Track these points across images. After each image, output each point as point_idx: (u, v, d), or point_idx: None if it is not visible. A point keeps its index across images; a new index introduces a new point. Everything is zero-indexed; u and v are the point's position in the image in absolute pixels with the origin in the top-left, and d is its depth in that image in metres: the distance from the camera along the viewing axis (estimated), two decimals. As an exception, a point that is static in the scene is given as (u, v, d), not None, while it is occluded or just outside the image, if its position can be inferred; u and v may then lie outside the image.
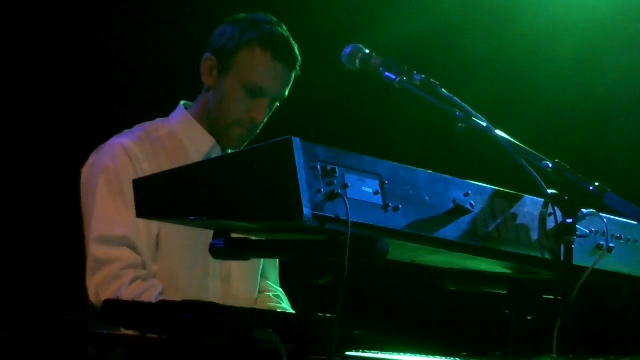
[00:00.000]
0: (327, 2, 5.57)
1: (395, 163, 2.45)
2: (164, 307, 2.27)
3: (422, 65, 3.15)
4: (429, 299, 4.43)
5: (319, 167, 2.29)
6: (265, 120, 3.42)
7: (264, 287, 3.53)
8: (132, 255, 3.20)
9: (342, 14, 5.60)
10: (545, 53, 5.80)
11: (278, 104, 3.44)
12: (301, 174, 2.25)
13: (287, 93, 3.42)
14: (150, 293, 3.14)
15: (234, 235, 2.52)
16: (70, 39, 4.73)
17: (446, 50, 5.75)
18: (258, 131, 3.43)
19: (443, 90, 2.88)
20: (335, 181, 2.31)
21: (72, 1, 4.74)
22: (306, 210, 2.23)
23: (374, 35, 5.25)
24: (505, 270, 2.76)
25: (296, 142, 2.27)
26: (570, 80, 5.83)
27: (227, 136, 3.40)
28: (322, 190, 2.28)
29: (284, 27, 3.42)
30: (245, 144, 3.44)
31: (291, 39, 3.40)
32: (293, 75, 3.41)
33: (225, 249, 2.52)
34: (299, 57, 3.40)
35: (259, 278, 3.49)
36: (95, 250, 3.21)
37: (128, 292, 3.14)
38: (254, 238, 2.54)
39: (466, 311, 4.26)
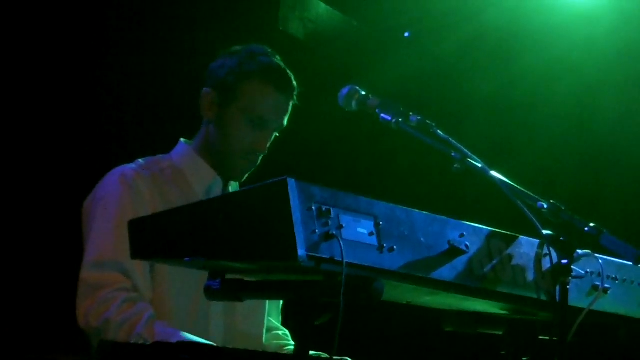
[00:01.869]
0: (326, 42, 5.61)
1: (391, 204, 2.46)
2: (160, 349, 2.26)
3: (421, 105, 3.17)
4: (425, 340, 4.41)
5: (314, 207, 2.29)
6: (267, 150, 3.44)
7: (271, 325, 3.51)
8: (124, 280, 3.17)
9: (341, 54, 5.64)
10: (544, 94, 5.84)
11: (277, 134, 3.45)
12: (296, 215, 2.25)
13: (286, 122, 3.44)
14: (139, 317, 3.11)
15: (229, 276, 2.52)
16: (70, 76, 4.76)
17: (445, 91, 5.79)
18: (259, 162, 3.44)
19: (439, 131, 2.89)
20: (331, 222, 2.31)
21: (75, 40, 4.76)
22: (301, 251, 2.23)
23: (374, 76, 5.30)
24: (501, 311, 2.75)
25: (291, 183, 2.28)
26: (568, 120, 5.86)
27: (230, 168, 3.41)
28: (317, 231, 2.28)
29: (279, 57, 3.45)
30: (247, 175, 3.45)
31: (288, 69, 3.42)
32: (291, 105, 3.43)
33: (221, 290, 2.52)
34: (297, 87, 3.42)
35: (266, 314, 3.47)
36: (87, 274, 3.18)
37: (117, 315, 3.10)
38: (249, 279, 2.54)
39: (463, 352, 4.24)
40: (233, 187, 3.48)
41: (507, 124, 5.80)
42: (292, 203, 2.26)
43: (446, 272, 2.47)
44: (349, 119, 3.39)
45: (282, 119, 3.41)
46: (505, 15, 5.57)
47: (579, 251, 2.63)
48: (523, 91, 5.81)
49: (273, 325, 3.48)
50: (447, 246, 2.49)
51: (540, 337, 2.76)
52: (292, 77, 3.42)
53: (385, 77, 5.34)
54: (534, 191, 2.76)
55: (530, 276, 2.62)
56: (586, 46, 5.64)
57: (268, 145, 3.42)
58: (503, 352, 2.79)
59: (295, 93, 3.42)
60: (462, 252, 2.50)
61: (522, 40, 5.70)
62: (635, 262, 2.59)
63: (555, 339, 2.57)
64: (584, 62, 5.72)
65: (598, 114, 5.82)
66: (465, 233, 2.53)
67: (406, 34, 5.78)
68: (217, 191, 3.41)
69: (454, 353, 4.38)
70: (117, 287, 3.15)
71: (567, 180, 5.81)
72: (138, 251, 2.47)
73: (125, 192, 3.25)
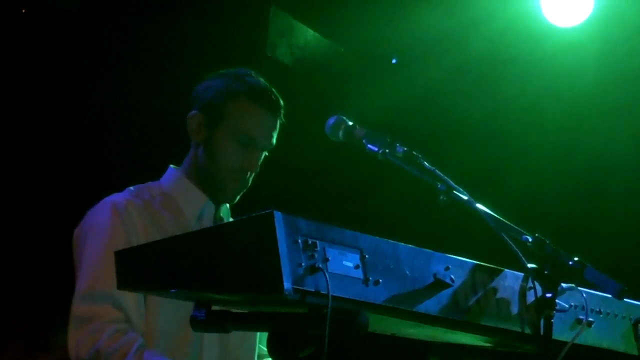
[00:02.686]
0: (314, 69, 5.63)
1: (376, 237, 2.47)
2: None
3: (408, 132, 3.20)
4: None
5: (300, 240, 2.31)
6: (257, 169, 3.44)
7: (262, 352, 3.51)
8: (114, 311, 3.16)
9: (329, 81, 5.66)
10: (531, 122, 5.86)
11: (267, 153, 3.46)
12: (282, 248, 2.27)
13: (275, 141, 3.44)
14: (129, 346, 3.10)
15: (214, 307, 2.52)
16: (59, 104, 4.77)
17: (432, 118, 5.81)
18: (250, 182, 3.44)
19: (425, 162, 2.91)
20: (316, 255, 2.32)
21: (63, 68, 4.78)
22: (287, 284, 2.24)
23: (361, 103, 5.32)
24: (485, 344, 2.76)
25: (278, 215, 2.29)
26: (555, 148, 5.89)
27: (220, 190, 3.41)
28: (303, 263, 2.29)
29: (264, 80, 3.46)
30: (239, 197, 3.45)
31: (274, 89, 3.43)
32: (279, 123, 3.43)
33: (207, 321, 2.53)
34: (283, 105, 3.43)
35: (257, 341, 3.47)
36: (77, 307, 3.18)
37: (107, 345, 3.10)
38: (235, 310, 2.54)
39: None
40: (224, 211, 3.48)
41: (494, 151, 5.83)
42: (278, 236, 2.27)
43: (431, 305, 2.48)
44: (335, 147, 3.41)
45: (271, 138, 3.41)
46: (492, 43, 5.61)
47: (563, 285, 2.64)
48: (510, 119, 5.84)
49: (264, 353, 3.49)
50: (432, 279, 2.50)
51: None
52: (279, 97, 3.43)
53: (372, 103, 5.36)
54: (521, 218, 2.78)
55: (514, 309, 2.63)
56: (572, 75, 5.68)
57: (258, 165, 3.43)
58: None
59: (283, 111, 3.43)
60: (447, 285, 2.51)
61: (508, 68, 5.74)
62: (618, 297, 2.60)
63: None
64: (571, 91, 5.75)
65: (584, 142, 5.85)
66: (450, 266, 2.55)
67: (394, 61, 5.81)
68: (208, 215, 3.41)
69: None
70: (108, 319, 3.15)
71: (554, 207, 5.84)
72: (124, 282, 2.48)
73: (117, 222, 3.25)
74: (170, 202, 3.39)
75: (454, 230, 4.59)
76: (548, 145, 5.91)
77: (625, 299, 2.81)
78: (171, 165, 3.52)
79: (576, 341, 2.68)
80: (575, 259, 2.65)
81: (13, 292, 4.67)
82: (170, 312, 3.24)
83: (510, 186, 5.75)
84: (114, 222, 3.24)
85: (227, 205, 3.50)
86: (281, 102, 3.42)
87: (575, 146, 5.91)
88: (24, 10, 4.74)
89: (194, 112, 3.42)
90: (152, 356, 3.06)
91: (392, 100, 5.60)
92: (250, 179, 3.42)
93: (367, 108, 5.06)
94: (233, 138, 3.36)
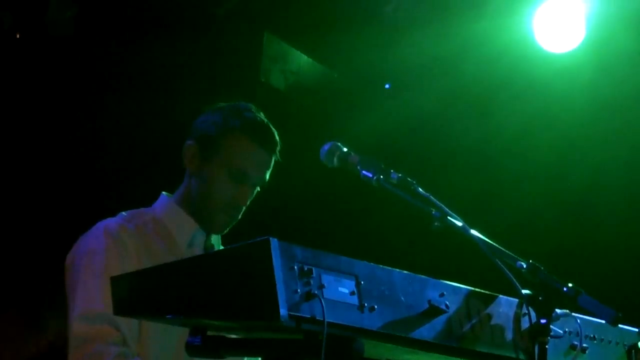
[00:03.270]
0: (308, 94, 5.65)
1: (371, 263, 2.48)
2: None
3: (401, 156, 3.21)
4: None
5: (296, 267, 2.31)
6: (248, 203, 3.46)
7: None
8: (114, 332, 3.18)
9: (322, 106, 5.68)
10: (524, 146, 5.88)
11: (259, 189, 3.47)
12: (278, 275, 2.27)
13: (267, 177, 3.46)
14: None
15: (210, 333, 2.53)
16: (50, 132, 4.78)
17: (425, 143, 5.82)
18: (240, 216, 3.46)
19: (420, 189, 2.92)
20: (312, 281, 2.33)
21: (56, 96, 4.79)
22: (283, 311, 2.25)
23: (355, 128, 5.33)
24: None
25: (274, 242, 2.30)
26: (548, 172, 5.91)
27: (211, 222, 3.43)
28: (299, 290, 2.30)
29: (263, 114, 3.48)
30: (228, 229, 3.46)
31: (271, 125, 3.45)
32: (273, 160, 3.45)
33: (202, 347, 2.53)
34: (279, 143, 3.45)
35: None
36: (77, 328, 3.19)
37: None
38: (231, 336, 2.55)
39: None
40: (214, 239, 3.50)
41: (487, 176, 5.85)
42: (274, 263, 2.28)
43: (426, 332, 2.49)
44: (329, 173, 3.43)
45: (264, 174, 3.44)
46: (484, 68, 5.64)
47: (558, 311, 2.66)
48: (502, 144, 5.86)
49: None
50: (427, 305, 2.51)
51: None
52: (275, 133, 3.45)
53: (365, 128, 5.38)
54: (513, 243, 2.79)
55: (509, 335, 2.64)
56: (565, 100, 5.71)
57: (249, 200, 3.44)
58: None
59: (278, 149, 3.45)
60: (442, 312, 2.52)
61: (501, 94, 5.77)
62: (612, 323, 2.61)
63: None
64: (563, 116, 5.78)
65: (576, 168, 5.88)
66: (445, 292, 2.56)
67: (387, 86, 5.83)
68: (199, 243, 3.43)
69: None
70: (109, 341, 3.16)
71: (546, 233, 5.85)
72: (120, 308, 2.48)
73: (111, 245, 3.27)
74: (162, 229, 3.41)
75: (448, 257, 4.60)
76: (540, 171, 5.93)
77: (621, 326, 2.82)
78: (163, 193, 3.54)
79: (571, 368, 2.69)
80: (570, 285, 2.66)
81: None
82: (163, 337, 3.24)
83: (503, 211, 5.76)
84: (108, 247, 3.26)
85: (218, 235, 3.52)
86: (277, 138, 3.44)
87: (567, 171, 5.94)
88: (18, 36, 4.76)
89: (189, 142, 3.45)
90: None
91: (385, 126, 5.62)
92: (241, 213, 3.44)
93: (360, 133, 5.09)
94: (226, 172, 3.39)
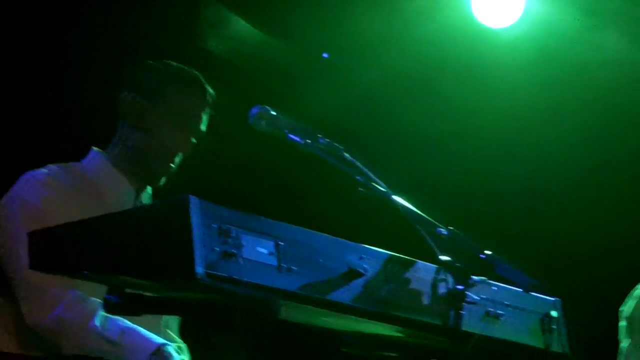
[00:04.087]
0: (247, 61, 5.62)
1: (292, 225, 2.49)
2: None
3: (345, 134, 3.22)
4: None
5: (215, 226, 2.32)
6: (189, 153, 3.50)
7: (168, 338, 3.51)
8: (68, 279, 3.12)
9: (263, 75, 5.65)
10: (466, 123, 5.90)
11: (197, 140, 3.52)
12: (196, 233, 2.28)
13: (205, 129, 3.52)
14: (92, 311, 3.14)
15: (128, 291, 2.53)
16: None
17: (371, 120, 5.82)
18: (177, 165, 3.49)
19: (346, 154, 2.94)
20: (231, 241, 2.33)
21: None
22: (199, 269, 2.26)
23: (294, 97, 5.32)
24: (397, 334, 2.80)
25: (194, 200, 2.30)
26: (491, 150, 5.93)
27: (153, 172, 3.48)
28: (217, 249, 2.30)
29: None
30: (164, 180, 3.49)
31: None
32: (209, 113, 3.52)
33: (120, 304, 2.53)
34: (213, 93, 3.53)
35: (162, 327, 3.48)
36: (27, 275, 3.13)
37: (68, 311, 3.13)
38: (148, 294, 2.55)
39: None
40: (145, 197, 3.52)
41: (435, 154, 5.87)
42: (192, 220, 2.28)
43: (344, 295, 2.51)
44: (266, 141, 3.43)
45: (204, 124, 3.52)
46: (427, 45, 5.62)
47: (475, 278, 2.69)
48: (445, 122, 5.87)
49: (170, 338, 3.50)
50: (345, 269, 2.53)
51: (435, 360, 2.81)
52: (210, 88, 3.53)
53: (308, 103, 5.36)
54: (457, 221, 2.81)
55: (426, 300, 2.67)
56: (507, 76, 5.71)
57: (191, 148, 3.50)
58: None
59: (214, 102, 3.52)
60: (360, 275, 2.54)
61: (445, 70, 5.77)
62: (527, 290, 2.65)
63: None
64: (505, 92, 5.79)
65: (520, 145, 5.91)
66: (364, 256, 2.58)
67: (325, 55, 5.81)
68: (129, 201, 3.44)
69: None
70: (64, 285, 3.15)
71: (490, 210, 5.89)
72: (36, 262, 2.47)
73: (46, 197, 3.26)
74: (92, 185, 3.42)
75: (372, 223, 4.62)
76: (484, 148, 5.95)
77: (536, 294, 2.86)
78: (94, 148, 3.53)
79: (485, 333, 2.72)
80: (488, 252, 2.70)
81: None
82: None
83: (447, 189, 5.80)
84: (43, 194, 3.26)
85: (149, 192, 3.53)
86: (212, 91, 3.52)
87: (511, 149, 5.97)
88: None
89: (127, 93, 3.46)
90: (117, 321, 3.08)
91: (329, 102, 5.61)
92: (179, 161, 3.49)
93: (301, 107, 5.07)
94: (170, 119, 3.44)
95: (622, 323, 3.92)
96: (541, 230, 5.86)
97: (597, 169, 5.81)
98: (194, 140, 3.51)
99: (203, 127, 3.53)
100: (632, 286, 4.00)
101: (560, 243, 5.80)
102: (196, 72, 3.55)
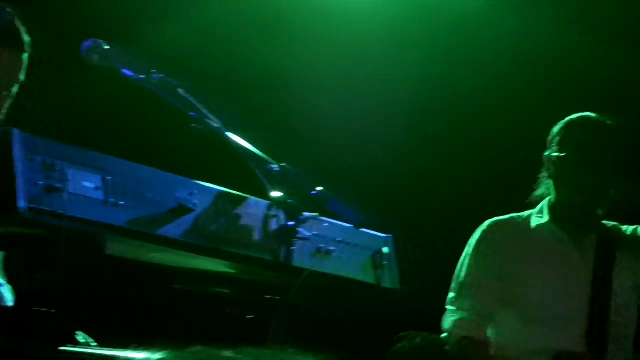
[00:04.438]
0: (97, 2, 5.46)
1: (120, 159, 2.45)
2: None
3: (192, 71, 3.16)
4: (155, 297, 4.41)
5: (38, 159, 2.26)
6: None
7: None
8: None
9: (111, 16, 5.50)
10: (318, 64, 5.88)
11: (12, 92, 3.36)
12: (18, 166, 2.22)
13: (22, 76, 3.33)
14: None
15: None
16: None
17: (219, 59, 5.75)
18: None
19: (180, 90, 2.90)
20: (56, 175, 2.28)
21: None
22: (22, 203, 2.20)
23: (145, 39, 5.20)
24: (229, 270, 2.79)
25: (16, 133, 2.24)
26: (340, 90, 5.94)
27: None
28: (41, 183, 2.25)
29: (10, 10, 3.34)
30: None
31: (17, 22, 3.31)
32: (25, 57, 3.32)
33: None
34: (27, 39, 3.31)
35: None
36: None
37: None
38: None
39: (191, 310, 4.27)
40: None
41: (282, 92, 5.84)
42: (15, 154, 2.22)
43: (172, 230, 2.49)
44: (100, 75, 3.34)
45: (6, 74, 3.32)
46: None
47: (306, 214, 2.70)
48: (290, 62, 5.85)
49: None
50: (175, 204, 2.51)
51: (266, 297, 2.81)
52: (22, 31, 3.32)
53: (153, 39, 5.26)
54: (299, 160, 2.80)
55: (257, 237, 2.67)
56: (356, 16, 5.71)
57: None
58: (229, 310, 2.84)
59: (27, 45, 3.33)
60: (190, 210, 2.52)
61: (295, 12, 5.74)
62: (357, 227, 2.68)
63: (278, 298, 2.64)
64: (355, 32, 5.79)
65: (366, 85, 5.93)
66: (194, 192, 2.56)
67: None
68: None
69: (182, 310, 4.41)
70: None
71: (333, 148, 5.91)
72: None
73: None
74: None
75: (204, 159, 4.58)
76: (330, 88, 5.96)
77: (368, 231, 2.90)
78: None
79: (316, 269, 2.74)
80: (319, 189, 2.71)
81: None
82: None
83: (289, 127, 5.79)
84: None
85: None
86: (24, 37, 3.31)
87: (353, 85, 5.99)
88: None
89: None
90: None
91: (175, 39, 5.50)
92: None
93: (147, 43, 4.96)
94: None
95: None
96: (375, 169, 5.92)
97: (434, 110, 5.90)
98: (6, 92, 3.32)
99: (13, 77, 3.33)
100: (462, 225, 4.08)
101: (392, 181, 5.86)
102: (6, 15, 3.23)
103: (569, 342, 3.35)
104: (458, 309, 3.41)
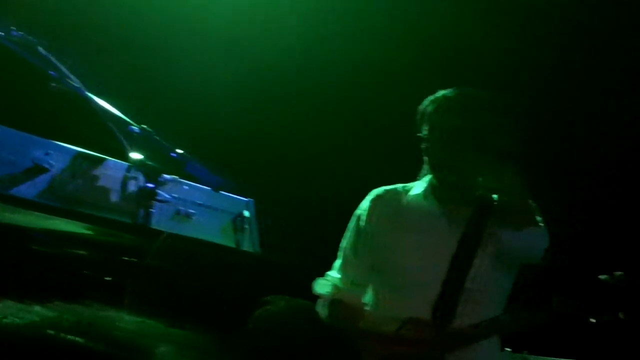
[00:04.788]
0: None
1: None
2: None
3: (56, 30, 3.08)
4: (10, 258, 4.32)
5: None
6: None
7: None
8: None
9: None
10: (177, 21, 5.81)
11: None
12: None
13: None
14: None
15: None
16: None
17: (81, 17, 5.64)
18: None
19: (41, 48, 2.83)
20: None
21: None
22: None
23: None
24: (86, 232, 2.76)
25: None
26: (200, 49, 5.89)
27: None
28: None
29: None
30: None
31: None
32: None
33: None
34: None
35: None
36: None
37: None
38: None
39: (49, 272, 4.20)
40: None
41: (145, 58, 5.75)
42: None
43: (28, 190, 2.46)
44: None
45: None
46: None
47: (166, 176, 2.67)
48: (162, 27, 5.77)
49: None
50: (31, 164, 2.47)
51: (124, 259, 2.79)
52: None
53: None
54: (159, 122, 2.77)
55: (115, 198, 2.65)
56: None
57: None
58: (86, 272, 2.80)
59: None
60: (46, 170, 2.48)
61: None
62: (217, 190, 2.67)
63: (136, 261, 2.62)
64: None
65: (248, 49, 5.88)
66: (51, 152, 2.52)
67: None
68: None
69: (38, 272, 4.34)
70: None
71: (218, 112, 5.86)
72: None
73: None
74: None
75: (63, 119, 4.51)
76: (194, 52, 5.90)
77: (229, 194, 2.90)
78: None
79: (175, 232, 2.73)
80: (179, 151, 2.68)
81: None
82: None
83: (158, 92, 5.72)
84: None
85: None
86: None
87: (218, 53, 5.94)
88: None
89: None
90: None
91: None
92: None
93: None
94: None
95: None
96: (239, 132, 5.88)
97: (304, 71, 5.91)
98: None
99: None
100: (325, 190, 4.12)
101: (255, 144, 5.84)
102: None
103: (421, 310, 3.41)
104: (334, 276, 3.45)
